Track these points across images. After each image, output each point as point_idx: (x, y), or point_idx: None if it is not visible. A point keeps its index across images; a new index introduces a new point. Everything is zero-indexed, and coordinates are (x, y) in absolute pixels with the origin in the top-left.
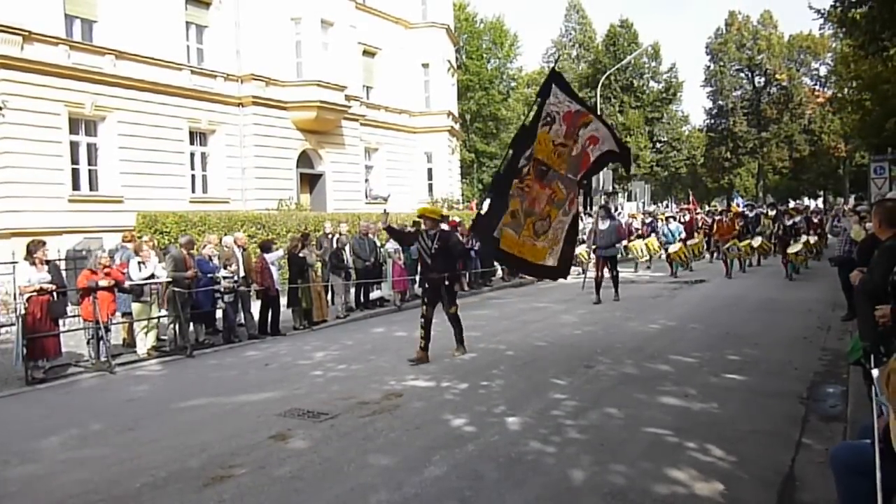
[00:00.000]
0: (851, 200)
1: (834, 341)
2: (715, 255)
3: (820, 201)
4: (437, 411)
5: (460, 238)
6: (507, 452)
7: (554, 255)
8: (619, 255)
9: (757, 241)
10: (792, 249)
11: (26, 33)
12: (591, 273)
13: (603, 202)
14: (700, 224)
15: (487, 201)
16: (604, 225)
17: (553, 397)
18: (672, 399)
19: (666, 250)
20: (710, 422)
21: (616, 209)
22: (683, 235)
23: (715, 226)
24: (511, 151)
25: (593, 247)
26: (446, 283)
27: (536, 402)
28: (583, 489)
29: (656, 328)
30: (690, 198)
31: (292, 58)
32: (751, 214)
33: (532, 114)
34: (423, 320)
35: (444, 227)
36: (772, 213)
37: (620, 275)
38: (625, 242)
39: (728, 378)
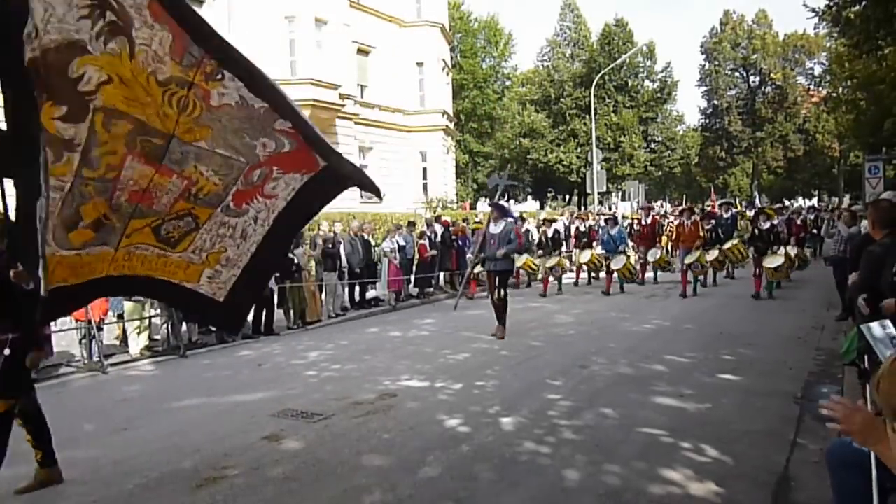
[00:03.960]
0: (846, 200)
1: (828, 341)
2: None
3: (815, 200)
4: (431, 412)
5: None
6: (501, 453)
7: (218, 279)
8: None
9: (729, 245)
10: (770, 263)
11: None
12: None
13: (497, 198)
14: (665, 229)
15: None
16: (496, 227)
17: (548, 398)
18: (667, 399)
19: (607, 261)
20: (704, 422)
21: (611, 208)
22: (629, 244)
23: (674, 231)
24: None
25: (479, 256)
26: (6, 351)
27: (531, 403)
28: (577, 490)
29: (650, 328)
30: (711, 193)
31: (286, 56)
32: (726, 215)
33: None
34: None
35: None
36: (750, 213)
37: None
38: (578, 253)
39: (723, 378)
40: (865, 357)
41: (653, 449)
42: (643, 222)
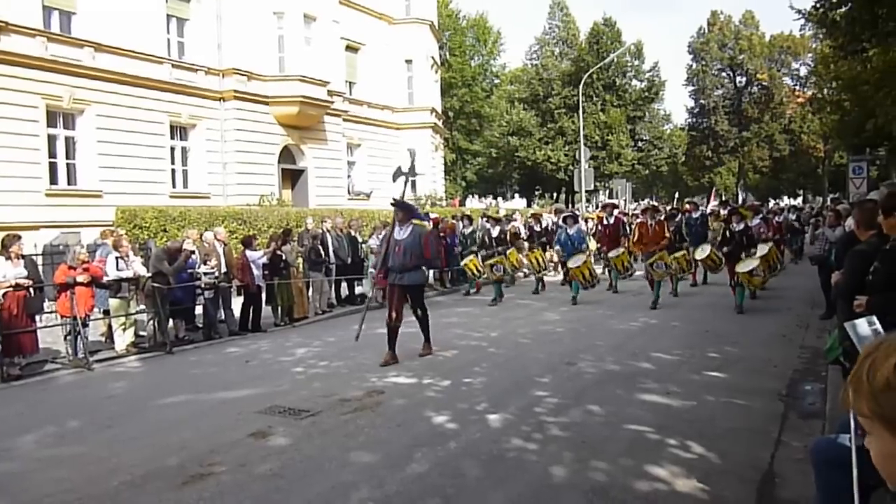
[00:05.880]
0: (829, 200)
1: (813, 339)
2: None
3: (800, 200)
4: (419, 408)
5: None
6: (489, 450)
7: None
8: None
9: (703, 252)
10: (743, 267)
11: (3, 24)
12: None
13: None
14: (631, 229)
15: None
16: (402, 232)
17: (535, 394)
18: (653, 396)
19: (563, 265)
20: (690, 419)
21: (598, 207)
22: (590, 246)
23: (636, 232)
24: None
25: (377, 269)
26: None
27: (518, 400)
28: (564, 486)
29: (638, 326)
30: (712, 192)
31: (274, 52)
32: (695, 215)
33: None
34: None
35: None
36: (723, 212)
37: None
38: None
39: (708, 375)
40: (850, 356)
41: (639, 445)
42: (606, 222)
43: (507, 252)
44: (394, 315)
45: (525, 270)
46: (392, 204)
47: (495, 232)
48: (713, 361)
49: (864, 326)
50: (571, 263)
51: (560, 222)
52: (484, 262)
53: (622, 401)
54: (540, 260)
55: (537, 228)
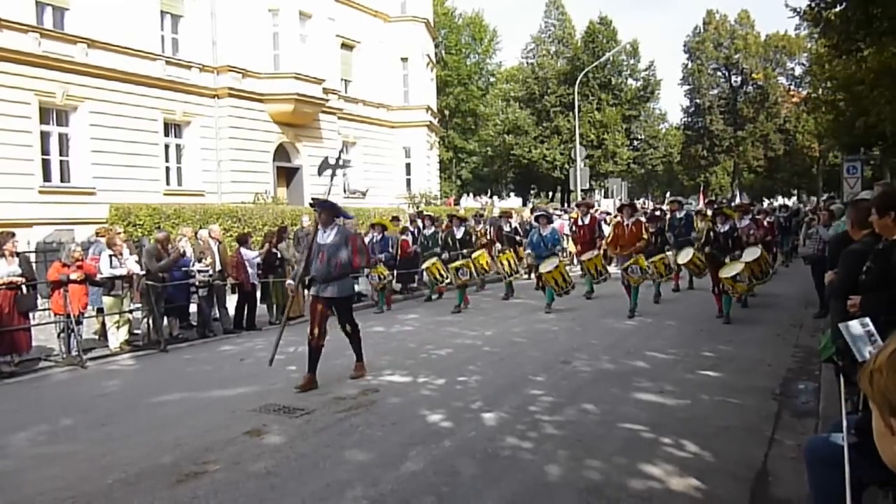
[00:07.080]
0: (823, 200)
1: (806, 338)
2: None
3: (794, 199)
4: (413, 407)
5: None
6: (483, 448)
7: None
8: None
9: (686, 256)
10: (726, 273)
11: None
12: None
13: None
14: (609, 228)
15: None
16: (326, 235)
17: (530, 393)
18: (648, 395)
19: (536, 270)
20: (684, 418)
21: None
22: (568, 248)
23: (611, 232)
24: None
25: (296, 278)
26: None
27: (513, 398)
28: (559, 485)
29: (632, 325)
30: (700, 190)
31: (269, 49)
32: (679, 215)
33: None
34: None
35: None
36: (709, 212)
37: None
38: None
39: (703, 374)
40: (843, 355)
41: (634, 444)
42: (580, 222)
43: (474, 255)
44: (316, 332)
45: (496, 273)
46: (311, 205)
47: (459, 233)
48: (707, 360)
49: (856, 327)
50: (543, 269)
51: (533, 221)
52: (447, 265)
53: (617, 399)
54: (511, 262)
55: (506, 228)
